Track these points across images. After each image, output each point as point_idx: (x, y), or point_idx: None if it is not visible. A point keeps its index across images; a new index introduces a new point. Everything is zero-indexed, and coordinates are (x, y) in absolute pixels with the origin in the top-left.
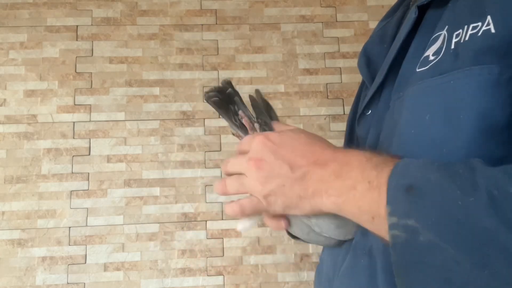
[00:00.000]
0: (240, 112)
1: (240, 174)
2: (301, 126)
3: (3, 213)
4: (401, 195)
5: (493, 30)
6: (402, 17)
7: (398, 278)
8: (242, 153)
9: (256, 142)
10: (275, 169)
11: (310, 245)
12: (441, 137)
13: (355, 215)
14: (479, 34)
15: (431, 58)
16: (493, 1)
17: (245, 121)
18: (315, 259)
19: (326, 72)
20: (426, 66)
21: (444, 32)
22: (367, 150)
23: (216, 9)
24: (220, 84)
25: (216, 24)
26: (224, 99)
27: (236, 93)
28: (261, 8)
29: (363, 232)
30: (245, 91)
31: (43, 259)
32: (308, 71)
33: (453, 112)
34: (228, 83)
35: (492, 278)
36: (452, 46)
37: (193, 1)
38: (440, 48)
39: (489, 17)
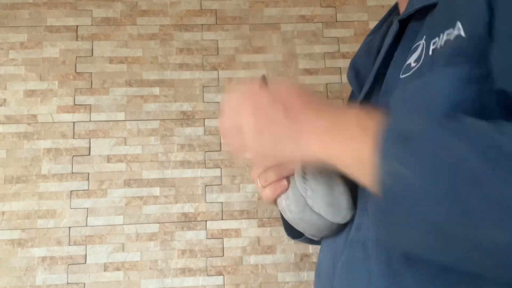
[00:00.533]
0: None
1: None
2: None
3: (3, 213)
4: (394, 143)
5: (463, 34)
6: (387, 31)
7: (383, 225)
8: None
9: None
10: (269, 107)
11: (310, 245)
12: None
13: (342, 158)
14: (452, 38)
15: (413, 65)
16: (462, 8)
17: None
18: (315, 259)
19: (326, 72)
20: (408, 73)
21: (423, 41)
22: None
23: (216, 9)
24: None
25: (216, 24)
26: None
27: None
28: (261, 8)
29: (358, 226)
30: None
31: (43, 259)
32: (308, 71)
33: (427, 106)
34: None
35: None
36: (430, 53)
37: (193, 1)
38: (419, 56)
39: (458, 23)
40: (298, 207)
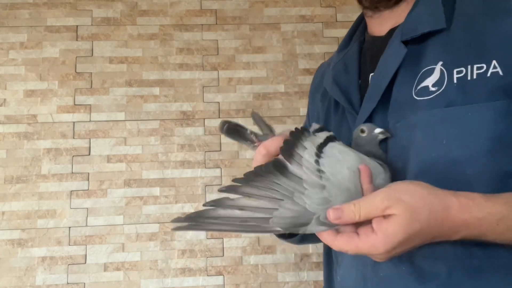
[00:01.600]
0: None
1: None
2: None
3: (3, 213)
4: None
5: (501, 73)
6: (359, 49)
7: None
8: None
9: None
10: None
11: (310, 245)
12: (461, 158)
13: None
14: (488, 75)
15: (432, 89)
16: (496, 47)
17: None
18: (315, 259)
19: None
20: (429, 96)
21: (439, 67)
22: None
23: (216, 9)
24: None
25: (216, 24)
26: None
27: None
28: (261, 8)
29: None
30: (245, 91)
31: (43, 259)
32: (308, 71)
33: (471, 137)
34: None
35: None
36: (455, 81)
37: (193, 1)
38: (440, 81)
39: (494, 62)
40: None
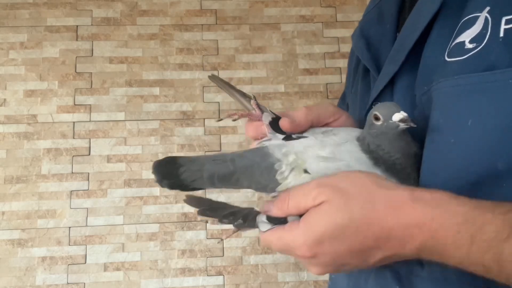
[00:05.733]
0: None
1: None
2: None
3: (3, 213)
4: None
5: None
6: None
7: None
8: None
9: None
10: (345, 259)
11: None
12: (491, 147)
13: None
14: None
15: (469, 46)
16: None
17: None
18: None
19: (326, 72)
20: (462, 56)
21: (485, 14)
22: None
23: (216, 9)
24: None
25: (216, 24)
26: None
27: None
28: (261, 8)
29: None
30: (245, 91)
31: (43, 259)
32: (308, 71)
33: (510, 117)
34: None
35: None
36: (501, 34)
37: (193, 1)
38: (481, 34)
39: None
40: None
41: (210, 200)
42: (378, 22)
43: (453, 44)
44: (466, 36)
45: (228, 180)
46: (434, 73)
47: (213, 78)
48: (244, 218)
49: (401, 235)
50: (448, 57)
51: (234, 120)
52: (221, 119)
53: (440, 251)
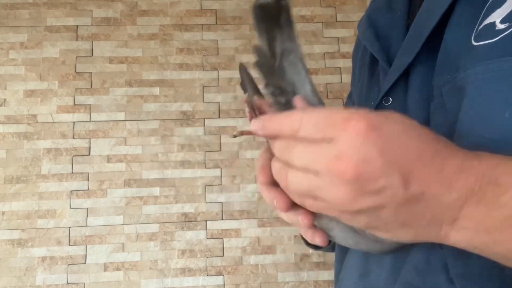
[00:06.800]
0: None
1: (307, 168)
2: None
3: (3, 213)
4: None
5: None
6: None
7: None
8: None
9: (352, 129)
10: (380, 178)
11: None
12: None
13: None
14: None
15: (501, 26)
16: None
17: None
18: (315, 259)
19: (326, 72)
20: (494, 38)
21: None
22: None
23: (216, 9)
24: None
25: (216, 24)
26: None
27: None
28: None
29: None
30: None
31: (43, 259)
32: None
33: None
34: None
35: None
36: None
37: (193, 1)
38: None
39: None
40: (346, 238)
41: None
42: (387, 10)
43: (482, 26)
44: (497, 16)
45: None
46: (459, 59)
47: (241, 68)
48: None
49: (444, 188)
50: (476, 41)
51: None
52: (235, 136)
53: (486, 243)
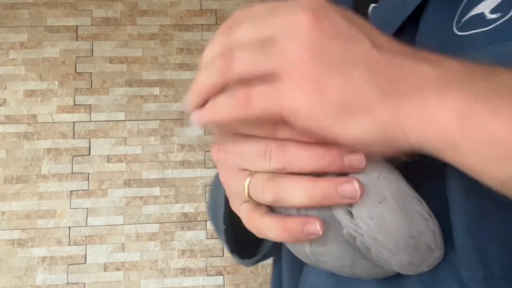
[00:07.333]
0: None
1: (258, 38)
2: None
3: (3, 213)
4: None
5: None
6: None
7: None
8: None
9: None
10: (347, 33)
11: None
12: None
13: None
14: None
15: (492, 16)
16: None
17: None
18: None
19: None
20: (487, 26)
21: None
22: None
23: (216, 9)
24: None
25: (216, 24)
26: None
27: None
28: None
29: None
30: None
31: (43, 259)
32: None
33: None
34: None
35: None
36: None
37: (193, 1)
38: (505, 3)
39: None
40: (342, 258)
41: None
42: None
43: (467, 17)
44: (485, 7)
45: None
46: (444, 50)
47: None
48: None
49: (410, 84)
50: (461, 31)
51: None
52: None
53: (450, 144)
